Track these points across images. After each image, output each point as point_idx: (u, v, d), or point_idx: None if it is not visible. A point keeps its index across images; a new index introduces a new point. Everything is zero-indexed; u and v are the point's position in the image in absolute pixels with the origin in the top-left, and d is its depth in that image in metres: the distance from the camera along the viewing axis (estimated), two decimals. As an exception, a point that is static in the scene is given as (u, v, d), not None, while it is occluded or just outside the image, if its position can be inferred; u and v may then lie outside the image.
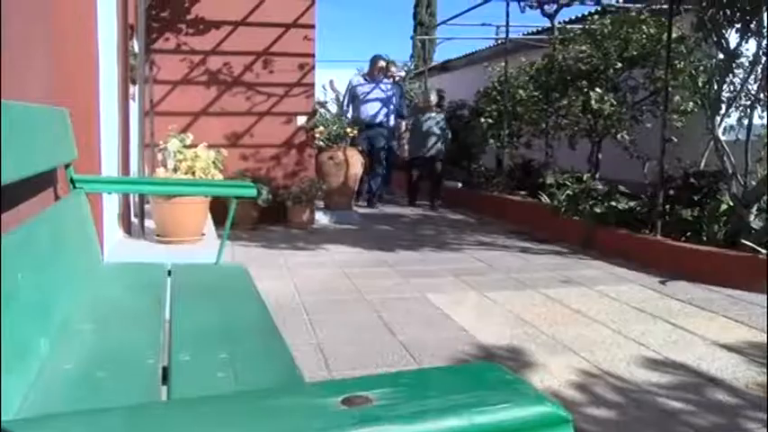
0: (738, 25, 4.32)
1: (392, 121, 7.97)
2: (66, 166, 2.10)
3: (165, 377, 1.27)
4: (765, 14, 4.20)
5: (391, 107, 7.81)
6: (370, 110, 7.60)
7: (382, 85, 7.72)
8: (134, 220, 4.39)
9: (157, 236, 3.87)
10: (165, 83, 6.01)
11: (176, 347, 1.40)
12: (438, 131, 7.80)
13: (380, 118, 7.68)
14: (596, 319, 3.30)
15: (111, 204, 3.78)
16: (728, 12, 4.25)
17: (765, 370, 2.61)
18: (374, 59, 7.75)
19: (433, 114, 7.92)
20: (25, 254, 1.28)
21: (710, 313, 3.44)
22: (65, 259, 1.67)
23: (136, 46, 4.73)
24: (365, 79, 7.79)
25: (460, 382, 0.59)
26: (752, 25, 4.26)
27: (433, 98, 8.16)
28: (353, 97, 7.69)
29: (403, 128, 9.02)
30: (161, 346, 1.43)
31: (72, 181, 2.12)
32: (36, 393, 1.15)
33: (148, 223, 4.06)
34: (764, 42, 4.38)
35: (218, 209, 4.32)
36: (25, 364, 1.15)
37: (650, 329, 3.14)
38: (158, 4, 5.91)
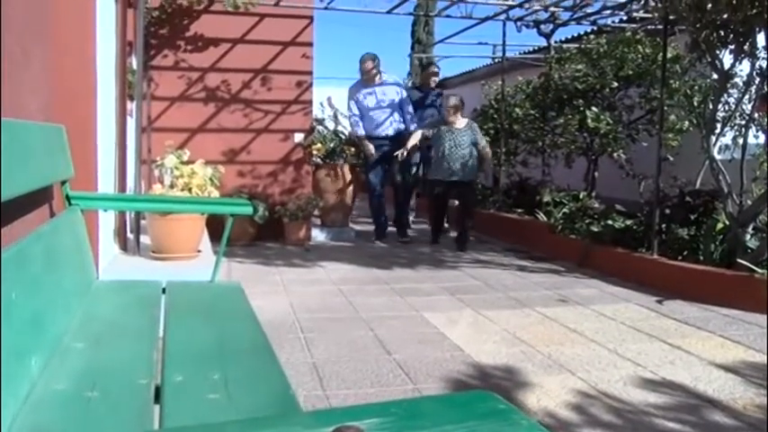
0: (732, 46, 4.36)
1: (410, 125, 6.55)
2: (62, 183, 2.10)
3: (158, 396, 1.26)
4: (758, 36, 4.25)
5: (397, 114, 6.58)
6: (371, 121, 6.53)
7: (379, 89, 6.53)
8: (130, 235, 4.38)
9: (153, 252, 3.85)
10: (163, 99, 6.03)
11: (169, 367, 1.39)
12: (467, 148, 6.03)
13: (387, 129, 6.52)
14: (593, 339, 3.28)
15: (106, 220, 3.77)
16: (722, 33, 4.30)
17: (764, 391, 2.59)
18: (361, 60, 6.51)
19: (460, 125, 6.13)
20: (19, 272, 1.28)
21: (707, 333, 3.43)
22: (59, 277, 1.66)
23: (134, 62, 4.76)
24: (363, 85, 6.61)
25: (453, 412, 0.58)
26: (745, 47, 4.30)
27: (455, 101, 6.19)
28: (360, 108, 6.57)
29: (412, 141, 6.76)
30: (154, 366, 1.42)
31: (68, 198, 2.11)
32: (26, 413, 1.14)
33: (144, 239, 4.04)
34: (758, 63, 4.42)
35: (215, 225, 4.31)
36: (15, 383, 1.14)
37: (647, 349, 3.13)
38: (158, 21, 5.95)
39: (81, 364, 1.41)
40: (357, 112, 6.55)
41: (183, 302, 1.97)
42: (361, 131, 6.55)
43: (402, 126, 6.57)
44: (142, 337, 1.60)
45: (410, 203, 7.22)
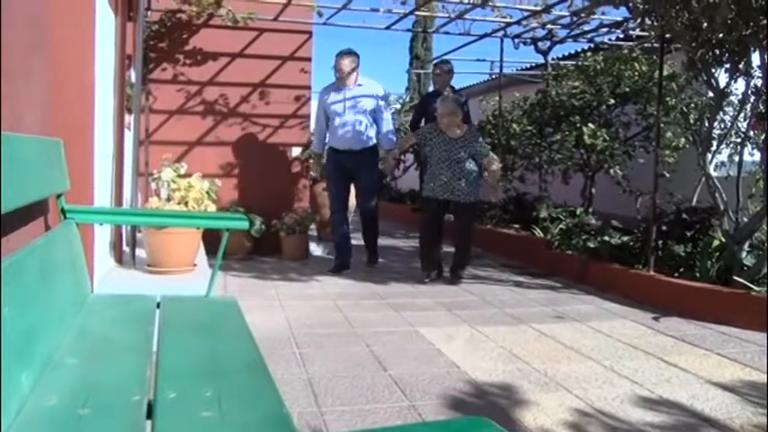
0: (727, 65, 4.39)
1: (386, 142, 5.65)
2: (58, 197, 2.09)
3: (150, 413, 1.25)
4: (753, 55, 4.28)
5: (370, 121, 5.49)
6: (336, 131, 5.48)
7: (350, 93, 5.46)
8: (126, 248, 4.36)
9: (149, 266, 3.84)
10: (161, 112, 6.04)
11: (162, 383, 1.38)
12: (465, 162, 5.06)
13: (352, 142, 5.44)
14: (589, 356, 3.27)
15: (102, 233, 3.76)
16: (718, 52, 4.33)
17: (761, 410, 2.58)
18: (337, 56, 5.51)
19: (455, 134, 5.12)
20: (12, 286, 1.27)
21: (704, 350, 3.42)
22: (52, 291, 1.65)
23: (133, 76, 4.77)
24: (335, 88, 5.55)
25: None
26: (740, 65, 4.33)
27: (450, 105, 5.16)
28: (328, 115, 5.54)
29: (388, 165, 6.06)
30: (147, 382, 1.40)
31: (63, 211, 2.11)
32: (16, 431, 1.13)
33: (140, 252, 4.03)
34: (753, 82, 4.46)
35: (211, 238, 4.30)
36: (6, 400, 1.13)
37: (643, 367, 3.12)
38: (157, 34, 5.98)
39: (73, 379, 1.39)
40: (324, 123, 5.58)
41: (178, 317, 1.95)
42: (317, 148, 5.77)
43: (372, 141, 5.51)
44: (135, 353, 1.59)
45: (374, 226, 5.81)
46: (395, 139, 5.79)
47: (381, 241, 6.11)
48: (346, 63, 5.42)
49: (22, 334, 1.28)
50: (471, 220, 5.31)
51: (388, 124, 5.65)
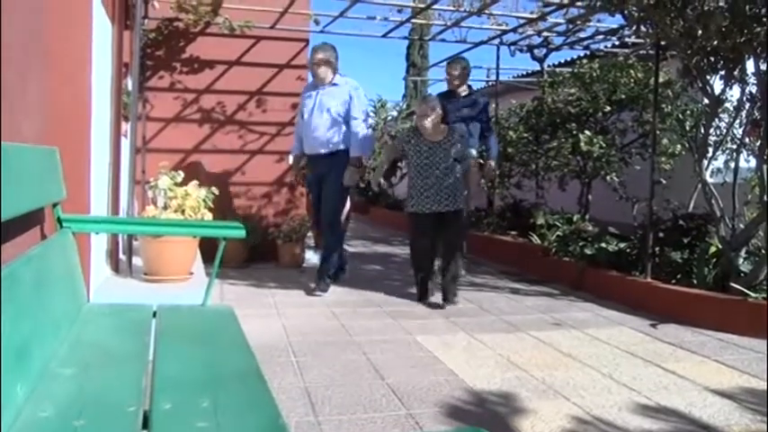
0: (722, 72, 4.41)
1: (358, 149, 4.85)
2: (54, 206, 2.09)
3: (146, 424, 1.24)
4: (747, 63, 4.30)
5: (343, 124, 4.84)
6: (307, 133, 4.92)
7: (323, 92, 4.87)
8: (122, 257, 4.35)
9: (145, 274, 3.83)
10: (158, 120, 6.04)
11: (158, 394, 1.37)
12: (448, 166, 4.50)
13: (320, 147, 4.85)
14: (587, 363, 3.26)
15: (99, 241, 3.75)
16: (712, 59, 4.35)
17: (760, 417, 2.58)
18: (313, 50, 4.98)
19: (436, 136, 4.53)
20: (7, 296, 1.26)
21: (702, 357, 3.42)
22: (48, 301, 1.64)
23: (130, 84, 4.77)
24: (312, 86, 5.02)
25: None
26: (735, 72, 4.35)
27: (431, 103, 4.57)
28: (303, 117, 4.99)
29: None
30: (143, 392, 1.39)
31: (59, 220, 2.10)
32: (10, 443, 1.12)
33: (137, 260, 4.02)
34: (748, 89, 4.48)
35: (208, 245, 4.27)
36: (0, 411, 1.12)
37: (641, 374, 3.11)
38: (154, 43, 5.98)
39: (68, 390, 1.39)
40: (302, 125, 5.05)
41: (174, 327, 1.95)
42: (295, 151, 5.16)
43: (341, 146, 4.83)
44: (131, 363, 1.58)
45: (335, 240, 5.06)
46: (369, 144, 5.09)
47: (379, 249, 6.05)
48: (318, 56, 4.83)
49: (16, 344, 1.27)
50: (458, 229, 4.64)
51: (359, 126, 4.84)
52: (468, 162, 4.80)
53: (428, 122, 4.49)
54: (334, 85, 4.89)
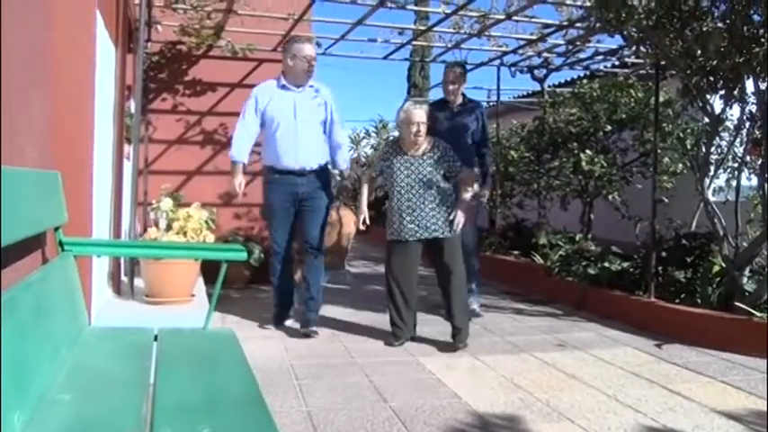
0: (722, 92, 4.43)
1: (341, 162, 4.49)
2: (56, 229, 2.09)
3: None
4: (747, 82, 4.32)
5: (325, 135, 4.29)
6: (275, 144, 4.21)
7: (301, 96, 4.23)
8: (124, 278, 4.34)
9: (147, 296, 3.81)
10: (160, 142, 6.07)
11: (159, 419, 1.36)
12: (435, 183, 3.92)
13: (301, 161, 4.19)
14: (592, 385, 3.23)
15: (101, 263, 3.74)
16: (712, 79, 4.37)
17: (766, 439, 2.54)
18: (295, 41, 4.46)
19: (419, 150, 3.95)
20: (7, 322, 1.25)
21: (707, 378, 3.38)
22: (48, 326, 1.63)
23: (132, 106, 4.80)
24: (282, 85, 4.27)
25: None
26: (735, 92, 4.37)
27: (422, 113, 3.92)
28: (264, 119, 4.25)
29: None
30: (143, 418, 1.38)
31: (61, 243, 2.10)
32: (8, 472, 1.10)
33: (138, 282, 4.01)
34: (747, 108, 4.49)
35: (210, 267, 4.26)
36: (-2, 440, 1.11)
37: (646, 395, 3.08)
38: (157, 65, 6.03)
39: (67, 417, 1.37)
40: (255, 128, 4.27)
41: (175, 351, 1.93)
42: (238, 156, 4.27)
43: (323, 161, 4.30)
44: (131, 388, 1.57)
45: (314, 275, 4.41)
46: (348, 157, 4.62)
47: (380, 269, 5.96)
48: (308, 51, 4.22)
49: (15, 371, 1.26)
50: (457, 256, 3.96)
51: (341, 136, 4.45)
52: (467, 177, 4.08)
53: (413, 129, 3.88)
54: (313, 88, 4.27)
